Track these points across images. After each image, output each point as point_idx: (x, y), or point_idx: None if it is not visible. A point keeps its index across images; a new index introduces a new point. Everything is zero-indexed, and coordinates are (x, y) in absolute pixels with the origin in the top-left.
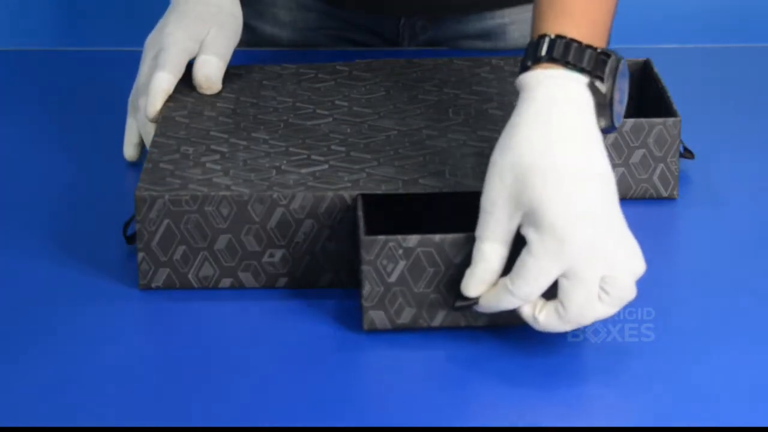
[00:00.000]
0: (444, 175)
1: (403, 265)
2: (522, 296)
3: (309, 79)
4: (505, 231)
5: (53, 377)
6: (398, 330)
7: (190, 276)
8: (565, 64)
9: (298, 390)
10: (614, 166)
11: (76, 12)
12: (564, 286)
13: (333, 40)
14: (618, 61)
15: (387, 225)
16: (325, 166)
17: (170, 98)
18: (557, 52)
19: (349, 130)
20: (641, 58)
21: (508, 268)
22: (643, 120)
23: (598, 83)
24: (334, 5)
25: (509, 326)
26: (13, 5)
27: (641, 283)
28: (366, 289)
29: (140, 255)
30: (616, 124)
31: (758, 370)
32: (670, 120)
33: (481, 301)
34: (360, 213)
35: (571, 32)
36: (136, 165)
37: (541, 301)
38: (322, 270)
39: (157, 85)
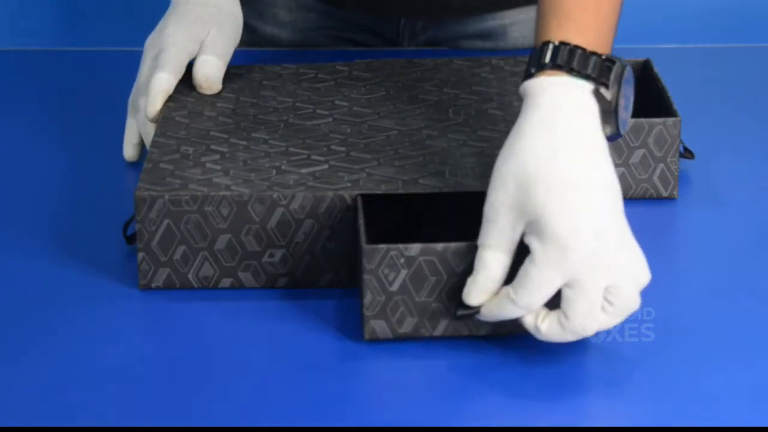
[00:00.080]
0: (444, 175)
1: (405, 274)
2: (524, 306)
3: (309, 79)
4: (508, 240)
5: (53, 377)
6: (400, 339)
7: (190, 276)
8: (570, 70)
9: (298, 392)
10: (614, 166)
11: (76, 12)
12: (567, 296)
13: (333, 40)
14: (623, 67)
15: (387, 225)
16: (325, 166)
17: (170, 98)
18: (561, 59)
19: (349, 130)
20: (641, 58)
21: (510, 276)
22: (643, 120)
23: (603, 90)
24: (334, 5)
25: (511, 335)
26: (13, 5)
27: None
28: (367, 298)
29: (140, 255)
30: (622, 131)
31: (758, 370)
32: (670, 120)
33: (483, 310)
34: (361, 220)
35: (576, 39)
36: (136, 165)
37: (544, 311)
38: (322, 270)
39: (157, 86)
